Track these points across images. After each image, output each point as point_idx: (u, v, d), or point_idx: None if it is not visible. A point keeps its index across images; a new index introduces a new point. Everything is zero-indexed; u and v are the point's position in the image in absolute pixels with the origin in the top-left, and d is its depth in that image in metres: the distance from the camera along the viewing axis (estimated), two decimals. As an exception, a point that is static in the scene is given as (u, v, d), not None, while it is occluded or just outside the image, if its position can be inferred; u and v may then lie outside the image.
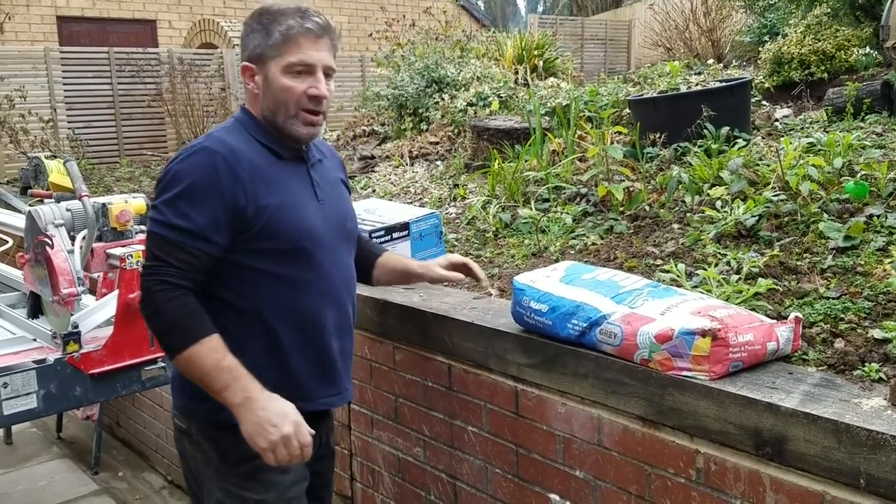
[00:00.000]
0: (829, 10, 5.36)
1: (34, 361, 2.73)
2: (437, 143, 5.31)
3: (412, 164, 5.00)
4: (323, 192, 1.89)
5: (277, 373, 1.80)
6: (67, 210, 2.85)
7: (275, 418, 1.64)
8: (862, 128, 3.53)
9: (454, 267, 2.22)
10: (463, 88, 5.83)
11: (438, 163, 4.90)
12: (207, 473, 1.84)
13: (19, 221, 3.55)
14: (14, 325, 3.26)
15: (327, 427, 2.06)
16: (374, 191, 4.53)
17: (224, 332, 1.71)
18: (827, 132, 3.38)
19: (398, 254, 2.34)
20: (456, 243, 3.16)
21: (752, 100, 4.38)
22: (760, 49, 5.70)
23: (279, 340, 1.80)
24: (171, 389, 1.92)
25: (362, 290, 2.60)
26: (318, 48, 1.77)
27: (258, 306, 1.77)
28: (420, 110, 5.86)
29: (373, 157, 5.44)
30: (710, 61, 6.41)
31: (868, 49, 5.04)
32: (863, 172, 2.69)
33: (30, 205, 3.48)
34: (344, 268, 1.94)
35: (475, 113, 5.24)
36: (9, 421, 2.70)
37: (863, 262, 2.12)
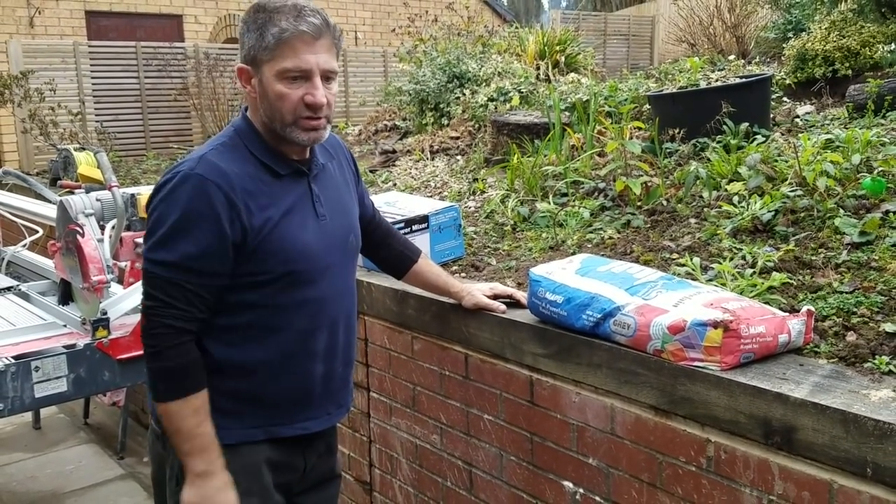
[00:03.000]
0: (854, 6, 5.32)
1: (64, 346, 2.84)
2: (457, 138, 5.35)
3: (433, 159, 5.05)
4: (324, 207, 1.79)
5: (252, 393, 1.75)
6: (97, 200, 2.94)
7: None
8: (882, 125, 3.52)
9: (498, 298, 2.22)
10: (484, 84, 5.86)
11: (458, 157, 4.94)
12: (169, 482, 1.79)
13: (50, 211, 3.65)
14: (45, 312, 3.36)
15: (319, 452, 1.94)
16: (394, 184, 4.59)
17: (205, 349, 1.69)
18: (846, 129, 3.38)
19: (434, 266, 2.27)
20: (474, 236, 3.21)
21: (774, 96, 4.37)
22: (784, 45, 5.67)
23: (260, 363, 1.73)
24: (149, 394, 1.82)
25: (382, 280, 2.66)
26: (315, 51, 1.63)
27: (244, 328, 1.70)
28: (441, 105, 5.90)
29: (394, 152, 5.50)
30: (732, 57, 6.39)
31: (893, 46, 5.00)
32: (880, 169, 2.70)
33: (60, 195, 3.58)
34: (341, 289, 1.85)
35: (496, 108, 5.27)
36: (40, 403, 2.81)
37: (877, 258, 2.13)
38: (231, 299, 1.69)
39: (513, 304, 2.24)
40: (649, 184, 3.19)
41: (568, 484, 2.09)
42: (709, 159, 3.27)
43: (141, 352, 2.84)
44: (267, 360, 1.74)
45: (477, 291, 2.23)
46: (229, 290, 1.67)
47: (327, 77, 1.67)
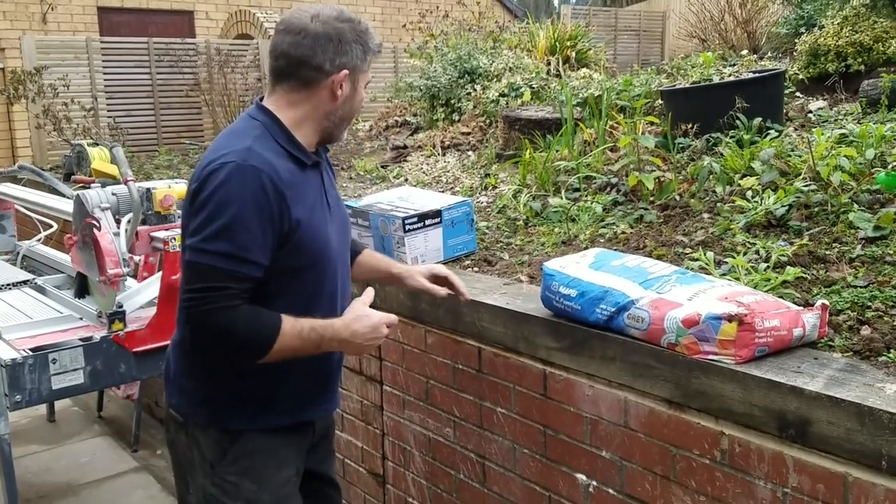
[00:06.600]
0: (867, 1, 5.29)
1: (81, 339, 2.86)
2: (468, 134, 5.35)
3: (444, 154, 5.06)
4: (331, 198, 1.90)
5: (281, 379, 1.82)
6: (113, 194, 2.97)
7: (369, 336, 1.77)
8: (896, 120, 3.50)
9: (436, 279, 2.20)
10: (495, 79, 5.85)
11: (470, 153, 4.95)
12: (201, 468, 1.85)
13: (64, 205, 3.68)
14: (61, 305, 3.39)
15: (322, 430, 2.08)
16: (406, 180, 4.60)
17: None
18: (860, 124, 3.37)
19: (377, 253, 2.34)
20: (487, 231, 3.22)
21: (786, 91, 4.35)
22: (797, 41, 5.64)
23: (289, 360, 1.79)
24: (168, 385, 1.91)
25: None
26: None
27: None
28: (452, 101, 5.90)
29: (405, 147, 5.51)
30: (745, 53, 6.36)
31: (907, 41, 4.96)
32: (894, 163, 2.69)
33: (74, 190, 3.61)
34: (346, 277, 1.97)
35: (507, 103, 5.28)
36: (57, 395, 2.84)
37: (892, 252, 2.13)
38: (265, 289, 1.72)
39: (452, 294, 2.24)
40: (662, 179, 3.19)
41: (581, 476, 2.10)
42: (722, 154, 3.26)
43: (156, 344, 2.90)
44: None
45: (418, 274, 2.21)
46: (265, 280, 1.71)
47: None
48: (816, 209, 2.54)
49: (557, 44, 6.62)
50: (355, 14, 1.81)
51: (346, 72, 1.77)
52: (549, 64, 6.39)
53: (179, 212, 3.03)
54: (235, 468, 1.83)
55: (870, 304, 1.90)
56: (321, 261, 1.81)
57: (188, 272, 1.67)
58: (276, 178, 1.67)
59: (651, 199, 3.10)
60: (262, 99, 1.84)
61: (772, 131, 3.43)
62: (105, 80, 7.96)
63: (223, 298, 1.63)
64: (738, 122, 3.48)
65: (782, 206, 2.53)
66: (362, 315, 1.78)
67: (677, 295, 1.82)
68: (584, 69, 6.34)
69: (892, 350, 1.68)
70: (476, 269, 2.76)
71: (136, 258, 3.15)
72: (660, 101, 4.31)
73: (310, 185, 1.81)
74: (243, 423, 1.83)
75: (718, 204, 2.85)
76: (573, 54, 6.67)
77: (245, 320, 1.65)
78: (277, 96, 1.80)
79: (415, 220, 2.71)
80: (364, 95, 1.86)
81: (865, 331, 1.79)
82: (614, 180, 3.42)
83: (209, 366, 1.81)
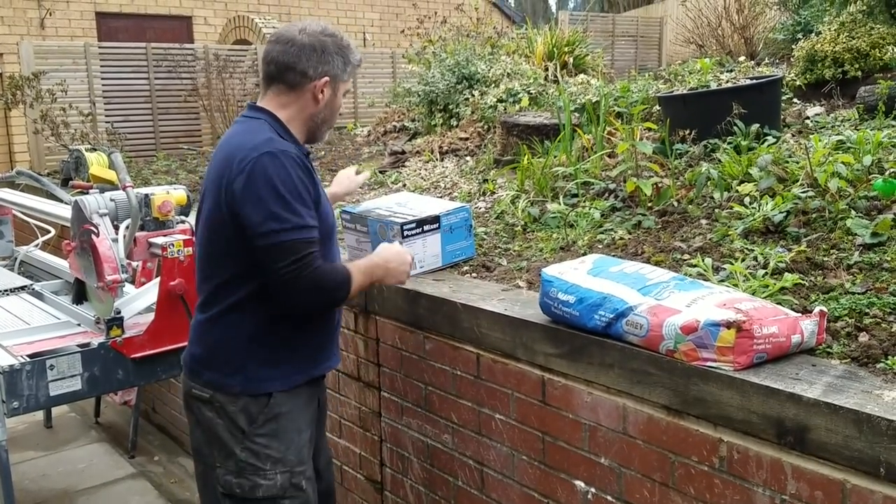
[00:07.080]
0: (864, 7, 5.31)
1: (78, 345, 2.86)
2: (466, 139, 5.35)
3: (442, 160, 5.06)
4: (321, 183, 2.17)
5: (296, 341, 2.07)
6: (111, 200, 2.96)
7: (399, 260, 2.22)
8: (893, 126, 3.51)
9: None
10: (493, 85, 5.87)
11: (468, 158, 4.95)
12: (233, 436, 2.03)
13: (62, 211, 3.68)
14: (58, 311, 3.38)
15: (323, 388, 2.36)
16: (404, 185, 4.60)
17: (260, 305, 1.98)
18: (857, 130, 3.38)
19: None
20: (485, 237, 3.22)
21: (784, 97, 4.37)
22: (794, 47, 5.66)
23: (309, 318, 2.08)
24: (194, 366, 2.10)
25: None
26: None
27: None
28: (450, 106, 5.91)
29: (403, 153, 5.51)
30: (742, 58, 6.38)
31: (903, 47, 4.98)
32: (892, 170, 2.70)
33: (72, 196, 3.60)
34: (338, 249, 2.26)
35: (505, 109, 5.28)
36: (54, 401, 2.83)
37: (889, 259, 2.13)
38: None
39: None
40: (660, 185, 3.19)
41: (580, 483, 2.10)
42: (719, 160, 3.27)
43: (154, 350, 2.89)
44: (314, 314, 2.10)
45: (337, 186, 2.72)
46: None
47: None
48: (814, 215, 2.54)
49: (555, 49, 6.63)
50: (339, 30, 2.09)
51: (326, 78, 2.04)
52: (546, 70, 6.41)
53: (178, 217, 3.04)
54: (264, 430, 2.03)
55: (867, 310, 1.90)
56: (330, 235, 2.10)
57: (272, 253, 1.89)
58: (300, 158, 1.97)
59: (649, 204, 3.11)
60: (254, 102, 2.08)
61: (769, 137, 3.44)
62: (103, 85, 7.96)
63: (309, 262, 1.91)
64: (735, 128, 3.49)
65: (780, 212, 2.53)
66: (387, 247, 2.25)
67: (676, 301, 1.82)
68: (582, 75, 6.36)
69: (889, 357, 1.68)
70: (474, 274, 2.76)
71: (135, 264, 3.14)
72: (657, 107, 4.33)
73: (313, 169, 2.06)
74: (271, 384, 2.04)
75: (716, 210, 2.86)
76: (571, 60, 6.70)
77: (328, 274, 1.98)
78: (269, 98, 2.06)
79: (413, 225, 2.70)
80: (342, 102, 2.13)
81: (863, 337, 1.79)
82: (612, 186, 3.42)
83: (247, 331, 2.02)
